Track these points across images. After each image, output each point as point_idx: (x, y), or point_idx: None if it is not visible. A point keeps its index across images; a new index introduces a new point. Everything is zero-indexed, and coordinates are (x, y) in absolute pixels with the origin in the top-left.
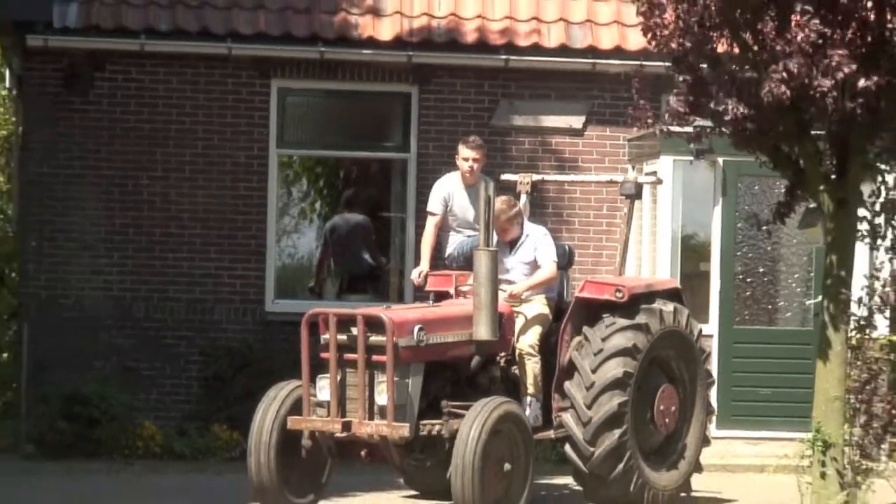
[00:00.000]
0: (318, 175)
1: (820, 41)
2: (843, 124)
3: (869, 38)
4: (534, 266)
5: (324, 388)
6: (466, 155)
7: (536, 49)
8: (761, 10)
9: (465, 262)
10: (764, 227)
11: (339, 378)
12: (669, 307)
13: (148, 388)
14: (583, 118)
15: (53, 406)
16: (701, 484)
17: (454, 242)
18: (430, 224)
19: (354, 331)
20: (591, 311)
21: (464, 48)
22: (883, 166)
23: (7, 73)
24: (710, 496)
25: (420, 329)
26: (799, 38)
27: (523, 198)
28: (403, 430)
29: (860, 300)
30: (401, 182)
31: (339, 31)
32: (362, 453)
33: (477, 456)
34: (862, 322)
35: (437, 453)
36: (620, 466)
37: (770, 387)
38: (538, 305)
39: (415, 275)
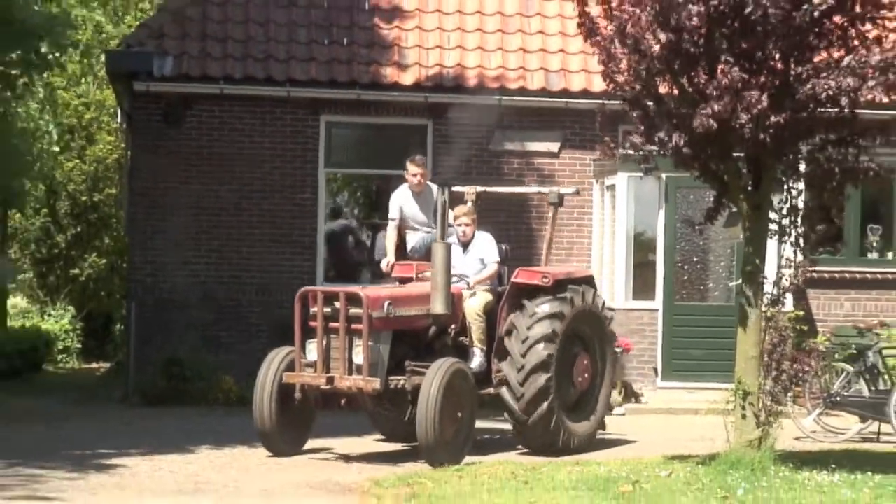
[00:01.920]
0: (356, 188)
1: (739, 84)
2: (756, 148)
3: (777, 83)
4: (481, 263)
5: (311, 351)
6: (413, 171)
7: (523, 91)
8: (694, 60)
9: (427, 253)
10: (697, 227)
11: (324, 342)
12: (582, 291)
13: (227, 352)
14: (559, 144)
15: (154, 367)
16: (646, 424)
17: (414, 239)
18: (392, 226)
19: (337, 304)
20: (524, 293)
21: (467, 90)
22: (787, 180)
23: (119, 111)
24: (652, 435)
25: (389, 304)
26: (723, 82)
27: (469, 204)
28: (376, 383)
29: (775, 282)
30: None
31: (372, 78)
32: (342, 402)
33: (437, 405)
34: (774, 299)
35: (401, 403)
36: (550, 426)
37: (702, 349)
38: (483, 288)
39: (384, 265)
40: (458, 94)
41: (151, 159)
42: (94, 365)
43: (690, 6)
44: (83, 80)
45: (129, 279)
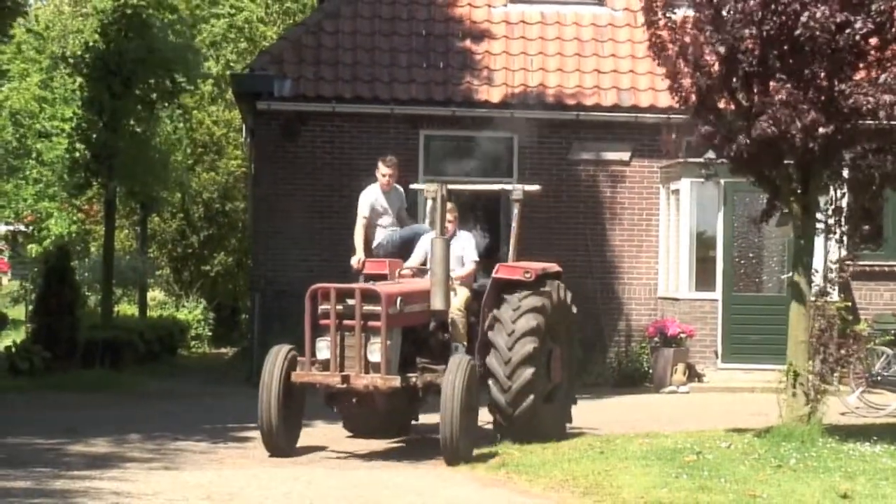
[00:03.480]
0: (451, 193)
1: (790, 99)
2: (805, 156)
3: (823, 98)
4: (460, 259)
5: (323, 349)
6: (384, 171)
7: (597, 107)
8: (750, 78)
9: (394, 249)
10: (754, 224)
11: (337, 340)
12: (558, 286)
13: None
14: (629, 153)
15: None
16: (708, 400)
17: (380, 235)
18: (360, 224)
19: (350, 302)
20: (504, 288)
21: (548, 107)
22: (833, 184)
23: (244, 127)
24: (714, 410)
25: (401, 300)
26: (777, 97)
27: (430, 203)
28: (395, 381)
29: (822, 275)
30: (506, 199)
31: (464, 96)
32: (353, 401)
33: (461, 402)
34: (821, 290)
35: (412, 400)
36: (533, 419)
37: (757, 334)
38: (463, 286)
39: (354, 261)
40: (540, 110)
41: (271, 169)
42: (223, 349)
43: (744, 29)
44: (214, 102)
45: (252, 274)
